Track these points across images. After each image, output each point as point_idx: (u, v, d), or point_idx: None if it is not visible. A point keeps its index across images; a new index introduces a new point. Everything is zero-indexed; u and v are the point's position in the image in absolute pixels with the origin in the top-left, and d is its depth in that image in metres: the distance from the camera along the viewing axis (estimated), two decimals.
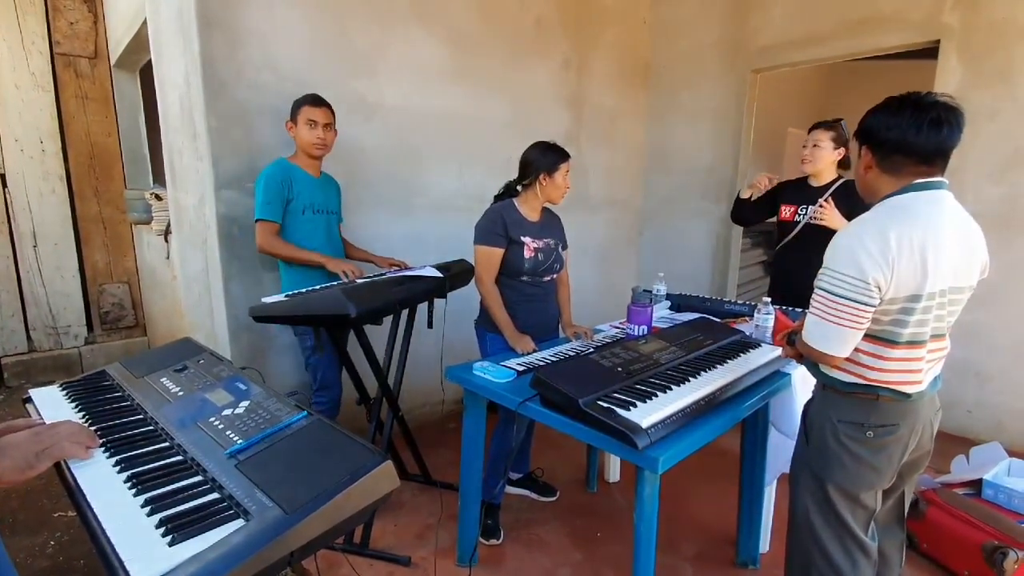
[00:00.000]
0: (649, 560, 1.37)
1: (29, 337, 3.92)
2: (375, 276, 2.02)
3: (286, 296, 1.76)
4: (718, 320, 2.23)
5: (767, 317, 1.99)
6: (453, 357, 2.56)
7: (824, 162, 2.36)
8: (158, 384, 1.28)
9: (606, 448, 1.36)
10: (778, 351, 1.82)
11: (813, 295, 1.25)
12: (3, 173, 3.68)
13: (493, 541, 2.09)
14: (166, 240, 3.29)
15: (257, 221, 2.04)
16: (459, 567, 1.93)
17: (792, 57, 3.50)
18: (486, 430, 1.84)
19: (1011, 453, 2.14)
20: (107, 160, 4.10)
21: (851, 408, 1.29)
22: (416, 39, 2.85)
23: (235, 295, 2.36)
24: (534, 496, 2.40)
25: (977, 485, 1.98)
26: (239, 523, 0.80)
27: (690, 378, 1.53)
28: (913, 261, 1.14)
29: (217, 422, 1.08)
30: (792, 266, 2.49)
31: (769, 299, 2.03)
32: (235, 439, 1.00)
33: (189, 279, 2.87)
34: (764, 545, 2.01)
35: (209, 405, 1.15)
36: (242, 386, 1.21)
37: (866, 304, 1.17)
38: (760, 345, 1.87)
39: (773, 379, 1.73)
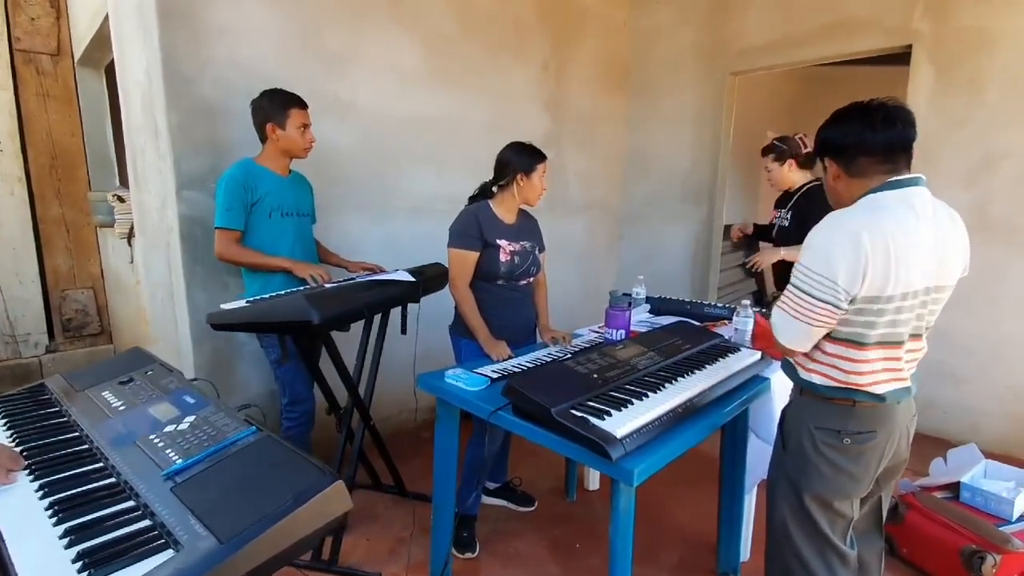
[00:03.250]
0: (625, 572, 1.31)
1: None
2: (343, 281, 1.94)
3: (247, 302, 1.67)
4: (697, 324, 2.19)
5: (746, 320, 1.95)
6: (430, 363, 2.48)
7: (783, 180, 2.61)
8: (99, 398, 1.19)
9: (580, 459, 1.30)
10: (757, 355, 1.79)
11: (785, 290, 1.24)
12: None
13: (468, 554, 2.02)
14: (129, 244, 3.17)
15: (216, 229, 1.94)
16: None
17: (769, 60, 3.51)
18: (460, 439, 1.78)
19: (987, 455, 2.14)
20: (70, 161, 3.95)
21: (828, 414, 1.26)
22: (392, 39, 2.78)
23: (198, 301, 2.26)
24: (512, 506, 2.34)
25: (955, 488, 1.96)
26: (167, 554, 0.73)
27: (667, 384, 1.48)
28: (887, 259, 1.11)
29: (158, 439, 1.00)
30: (777, 271, 2.67)
31: (748, 302, 2.00)
32: (174, 458, 0.93)
33: (153, 284, 2.76)
34: (745, 554, 1.97)
35: (151, 420, 1.07)
36: (190, 399, 1.13)
37: (835, 306, 1.15)
38: (739, 349, 1.83)
39: (752, 384, 1.69)
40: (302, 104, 2.06)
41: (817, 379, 1.26)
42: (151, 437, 1.01)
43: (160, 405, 1.12)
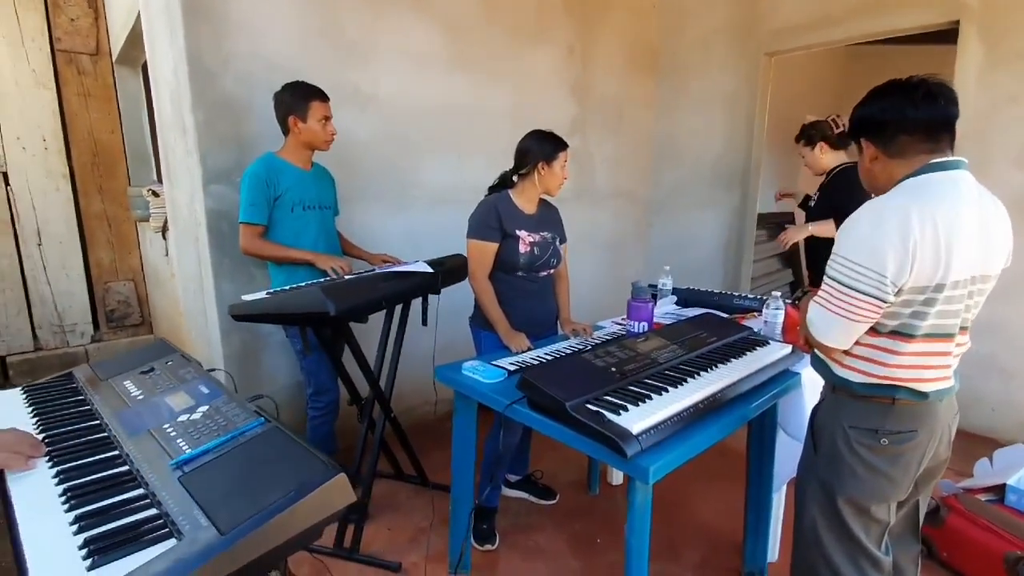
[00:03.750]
0: (642, 572, 1.28)
1: (35, 335, 3.94)
2: (362, 272, 1.94)
3: (267, 294, 1.70)
4: (725, 315, 2.12)
5: (776, 312, 1.87)
6: (452, 355, 2.47)
7: (817, 164, 2.59)
8: (120, 387, 1.22)
9: (595, 455, 1.27)
10: (788, 349, 1.71)
11: (823, 282, 1.16)
12: (5, 171, 3.69)
13: (488, 546, 2.01)
14: (164, 237, 3.27)
15: (241, 224, 1.97)
16: (450, 574, 1.86)
17: (807, 39, 3.35)
18: (478, 432, 1.76)
19: None
20: (110, 157, 4.10)
21: (864, 413, 1.19)
22: (410, 27, 2.76)
23: (225, 293, 2.31)
24: (533, 499, 2.32)
25: (1000, 491, 1.84)
26: (169, 544, 0.73)
27: (688, 379, 1.43)
28: (937, 246, 1.03)
29: (170, 429, 1.01)
30: (806, 247, 2.70)
31: (779, 293, 1.92)
32: (184, 448, 0.94)
33: (185, 277, 2.84)
34: (773, 554, 1.90)
35: (167, 410, 1.09)
36: (205, 389, 1.15)
37: (880, 300, 1.07)
38: (768, 342, 1.76)
39: (781, 379, 1.61)
40: (323, 96, 2.07)
41: (854, 376, 1.18)
42: (165, 426, 1.02)
43: (176, 395, 1.14)
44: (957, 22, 2.72)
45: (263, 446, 0.91)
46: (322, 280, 1.87)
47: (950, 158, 1.11)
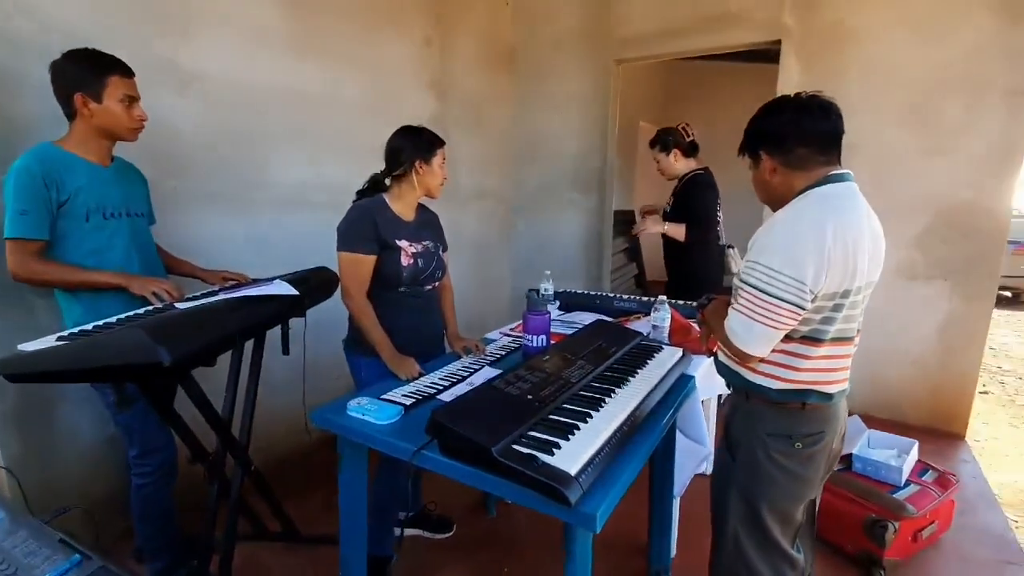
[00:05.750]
0: None
1: None
2: (202, 299, 1.53)
3: (59, 340, 1.22)
4: (612, 320, 2.12)
5: (664, 316, 1.90)
6: (320, 373, 2.16)
7: (670, 169, 2.73)
8: None
9: (529, 504, 1.11)
10: (679, 352, 1.73)
11: (740, 290, 1.16)
12: None
13: None
14: None
15: (8, 240, 1.43)
16: None
17: (651, 50, 3.55)
18: (368, 472, 1.50)
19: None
20: None
21: (778, 419, 1.22)
22: None
23: None
24: (428, 535, 2.10)
25: (846, 460, 2.10)
26: None
27: (606, 398, 1.35)
28: (846, 253, 1.09)
29: None
30: (666, 252, 2.84)
31: (665, 297, 1.95)
32: None
33: None
34: (672, 550, 1.95)
35: None
36: None
37: (800, 307, 1.10)
38: (662, 347, 1.77)
39: (681, 384, 1.63)
40: (125, 70, 1.58)
41: (770, 382, 1.20)
42: None
43: None
44: (779, 42, 3.08)
45: None
46: (142, 312, 1.43)
47: (843, 171, 1.17)
